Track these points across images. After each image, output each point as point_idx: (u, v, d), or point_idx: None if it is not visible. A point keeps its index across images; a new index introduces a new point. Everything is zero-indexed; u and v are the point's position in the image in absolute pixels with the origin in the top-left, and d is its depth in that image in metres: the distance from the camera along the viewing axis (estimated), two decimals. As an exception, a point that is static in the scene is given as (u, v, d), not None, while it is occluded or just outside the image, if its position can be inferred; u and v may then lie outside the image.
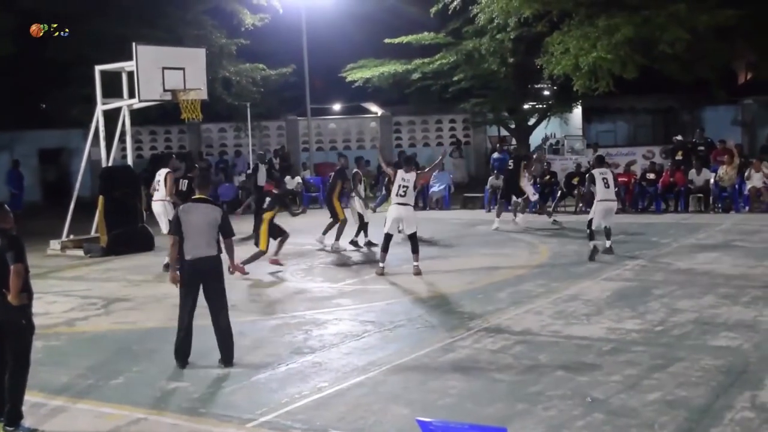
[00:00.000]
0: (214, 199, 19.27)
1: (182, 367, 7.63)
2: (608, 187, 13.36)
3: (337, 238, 15.07)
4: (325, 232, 15.36)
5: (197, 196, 8.10)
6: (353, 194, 15.50)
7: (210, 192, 8.08)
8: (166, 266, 12.00)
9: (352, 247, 15.17)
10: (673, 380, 6.81)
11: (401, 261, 12.86)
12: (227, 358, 7.77)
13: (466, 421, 5.06)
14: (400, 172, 12.40)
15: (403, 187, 12.24)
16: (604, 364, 7.36)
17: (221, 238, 7.86)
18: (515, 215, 17.81)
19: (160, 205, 13.86)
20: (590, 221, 13.33)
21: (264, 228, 13.04)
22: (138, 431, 6.24)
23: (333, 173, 15.97)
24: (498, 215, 17.39)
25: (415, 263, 12.17)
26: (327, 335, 8.90)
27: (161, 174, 14.07)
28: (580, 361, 7.50)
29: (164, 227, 13.54)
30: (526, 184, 17.31)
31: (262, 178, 20.74)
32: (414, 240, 12.23)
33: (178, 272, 7.82)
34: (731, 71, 22.86)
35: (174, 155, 17.75)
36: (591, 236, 13.16)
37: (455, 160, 28.06)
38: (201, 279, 7.70)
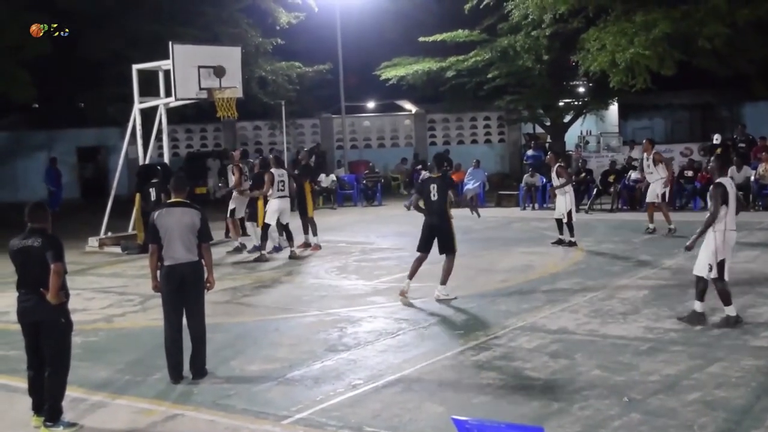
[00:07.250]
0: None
1: (176, 383, 7.25)
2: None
3: (306, 233, 15.07)
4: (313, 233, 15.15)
5: (173, 199, 7.58)
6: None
7: (186, 194, 7.57)
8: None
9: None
10: (713, 381, 6.71)
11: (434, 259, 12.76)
12: (197, 370, 7.38)
13: (501, 420, 5.04)
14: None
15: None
16: (642, 363, 7.28)
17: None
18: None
19: None
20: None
21: None
22: (175, 427, 6.31)
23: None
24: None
25: None
26: (362, 333, 8.91)
27: None
28: (616, 360, 7.42)
29: None
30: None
31: None
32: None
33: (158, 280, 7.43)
34: (772, 66, 22.48)
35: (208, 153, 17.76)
36: None
37: None
38: (180, 285, 7.30)
